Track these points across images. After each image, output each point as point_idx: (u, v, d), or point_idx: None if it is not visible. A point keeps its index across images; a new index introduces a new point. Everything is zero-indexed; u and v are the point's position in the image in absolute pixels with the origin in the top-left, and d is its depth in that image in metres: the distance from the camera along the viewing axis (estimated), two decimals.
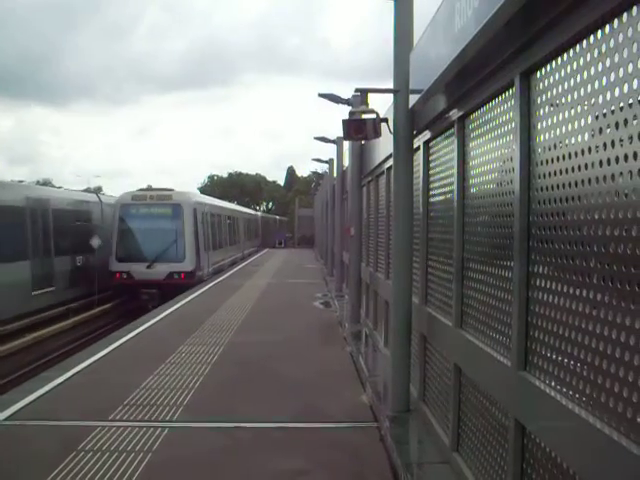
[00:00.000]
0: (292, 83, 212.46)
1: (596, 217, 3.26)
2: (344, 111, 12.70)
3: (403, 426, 7.42)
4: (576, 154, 3.53)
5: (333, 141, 22.54)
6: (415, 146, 7.88)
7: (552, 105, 3.94)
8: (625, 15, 2.98)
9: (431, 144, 7.66)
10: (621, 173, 3.01)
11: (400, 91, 7.57)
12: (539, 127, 4.14)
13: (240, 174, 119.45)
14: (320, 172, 51.78)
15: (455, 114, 6.21)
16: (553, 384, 3.79)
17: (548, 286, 3.92)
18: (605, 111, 3.19)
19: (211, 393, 9.32)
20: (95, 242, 25.31)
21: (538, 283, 4.08)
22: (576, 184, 3.52)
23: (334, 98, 14.65)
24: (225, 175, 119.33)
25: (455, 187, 6.18)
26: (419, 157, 7.99)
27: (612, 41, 3.12)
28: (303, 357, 11.97)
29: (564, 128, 3.72)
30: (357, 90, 8.25)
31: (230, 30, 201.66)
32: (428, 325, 7.43)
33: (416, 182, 7.95)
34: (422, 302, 7.78)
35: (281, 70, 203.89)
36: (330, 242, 28.84)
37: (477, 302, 5.54)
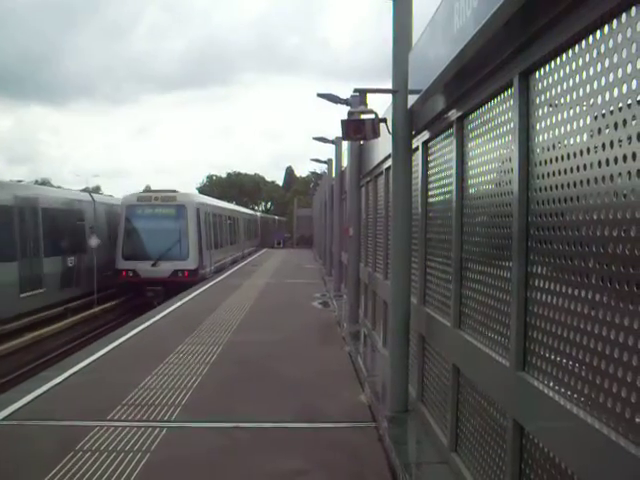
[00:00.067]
0: (291, 83, 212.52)
1: (595, 218, 3.26)
2: (343, 111, 12.70)
3: (401, 426, 7.42)
4: (575, 155, 3.53)
5: (332, 141, 22.54)
6: (414, 146, 7.88)
7: (551, 105, 3.94)
8: (624, 15, 2.98)
9: (430, 144, 7.66)
10: (620, 174, 3.01)
11: (399, 91, 7.57)
12: (538, 127, 4.14)
13: (239, 174, 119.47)
14: (319, 172, 51.92)
15: (454, 114, 6.21)
16: (551, 384, 3.79)
17: (547, 286, 3.92)
18: (604, 111, 3.19)
19: (210, 393, 9.32)
20: (93, 242, 25.31)
21: (537, 283, 4.08)
22: (575, 185, 3.52)
23: (333, 98, 14.65)
24: (224, 175, 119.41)
25: (454, 187, 6.18)
26: (418, 157, 7.99)
27: (611, 41, 3.12)
28: (302, 357, 11.97)
29: (563, 128, 3.72)
30: (356, 90, 8.25)
31: (229, 30, 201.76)
32: (427, 325, 7.43)
33: (415, 182, 7.96)
34: (421, 302, 7.78)
35: (280, 70, 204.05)
36: (329, 242, 28.87)
37: (476, 302, 5.54)
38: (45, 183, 63.12)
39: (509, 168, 4.60)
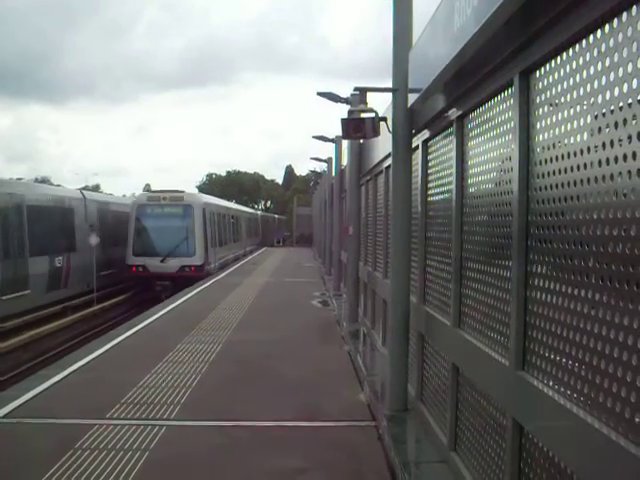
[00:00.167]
0: (291, 82, 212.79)
1: (595, 217, 3.26)
2: (343, 110, 12.72)
3: (401, 425, 7.42)
4: (575, 154, 3.53)
5: (332, 140, 22.55)
6: (414, 145, 7.87)
7: (551, 104, 3.94)
8: (625, 14, 2.98)
9: (430, 143, 7.65)
10: (620, 173, 3.01)
11: (399, 90, 7.56)
12: (538, 126, 4.13)
13: (238, 173, 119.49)
14: (319, 171, 51.73)
15: (454, 113, 6.20)
16: (551, 384, 3.78)
17: (546, 286, 3.92)
18: (604, 111, 3.19)
19: (209, 391, 9.32)
20: (93, 240, 25.30)
21: (536, 283, 4.08)
22: (575, 184, 3.52)
23: (333, 97, 14.68)
24: (223, 174, 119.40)
25: (454, 186, 6.18)
26: (418, 156, 7.98)
27: (612, 40, 3.12)
28: (301, 356, 11.97)
29: (563, 127, 3.72)
30: (356, 89, 8.26)
31: (229, 28, 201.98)
32: (426, 324, 7.43)
33: (415, 181, 7.95)
34: (420, 301, 7.77)
35: (280, 69, 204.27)
36: (328, 241, 28.87)
37: (475, 302, 5.53)
38: (44, 181, 63.13)
39: (509, 167, 4.60)
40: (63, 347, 19.07)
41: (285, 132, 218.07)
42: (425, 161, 7.78)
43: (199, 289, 23.69)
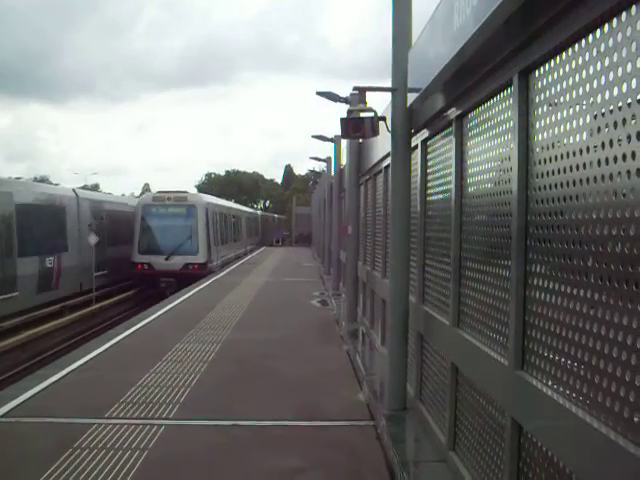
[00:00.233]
0: (290, 81, 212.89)
1: (594, 216, 3.26)
2: (342, 109, 12.70)
3: (400, 425, 7.42)
4: (574, 153, 3.52)
5: (331, 139, 22.55)
6: (413, 145, 7.87)
7: (550, 104, 3.93)
8: (624, 14, 2.98)
9: (429, 143, 7.65)
10: (619, 173, 3.01)
11: (398, 89, 7.56)
12: (537, 126, 4.13)
13: (238, 172, 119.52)
14: (318, 170, 51.77)
15: (453, 113, 6.20)
16: (550, 383, 3.79)
17: (546, 285, 3.92)
18: (603, 110, 3.19)
19: (208, 391, 9.32)
20: (92, 239, 25.26)
21: (535, 282, 4.08)
22: (574, 183, 3.52)
23: (332, 96, 14.68)
24: (223, 173, 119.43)
25: (453, 186, 6.18)
26: (417, 156, 7.98)
27: (611, 40, 3.12)
28: (300, 355, 11.97)
29: (562, 127, 3.72)
30: (355, 88, 8.25)
31: (229, 27, 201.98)
32: (425, 324, 7.43)
33: (414, 181, 7.95)
34: (419, 301, 7.77)
35: (280, 68, 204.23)
36: (327, 240, 28.87)
37: (474, 301, 5.54)
38: (44, 180, 63.02)
39: (508, 167, 4.60)
40: (61, 347, 19.05)
41: (284, 132, 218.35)
42: (424, 160, 7.78)
43: (198, 288, 23.69)
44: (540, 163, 4.05)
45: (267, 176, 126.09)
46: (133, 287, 30.75)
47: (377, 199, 12.98)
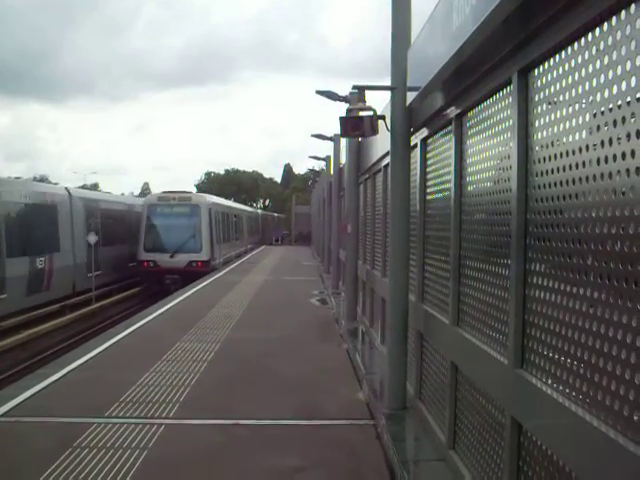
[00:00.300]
0: (290, 80, 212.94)
1: (593, 215, 3.26)
2: (342, 108, 12.68)
3: (400, 423, 7.42)
4: (573, 152, 3.52)
5: (330, 138, 22.53)
6: (412, 144, 7.87)
7: (550, 103, 3.93)
8: (623, 13, 2.98)
9: (428, 142, 7.65)
10: (618, 171, 3.01)
11: (397, 88, 7.56)
12: (536, 125, 4.13)
13: (237, 171, 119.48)
14: (317, 169, 51.74)
15: (452, 112, 6.20)
16: (550, 382, 3.79)
17: (545, 284, 3.92)
18: (602, 109, 3.19)
19: (208, 390, 9.32)
20: (92, 239, 25.24)
21: (535, 281, 4.08)
22: (573, 182, 3.52)
23: (331, 95, 14.66)
24: (222, 172, 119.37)
25: (452, 185, 6.18)
26: (416, 155, 7.98)
27: (610, 39, 3.12)
28: (300, 354, 11.97)
29: (561, 126, 3.72)
30: (354, 87, 8.22)
31: (228, 26, 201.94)
32: (425, 323, 7.43)
33: (413, 180, 7.96)
34: (419, 300, 7.77)
35: (279, 67, 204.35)
36: (327, 239, 28.87)
37: (474, 300, 5.54)
38: (43, 180, 62.88)
39: (508, 165, 4.60)
40: (61, 346, 19.04)
41: (284, 130, 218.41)
42: (424, 159, 7.78)
43: (198, 287, 23.69)
44: (539, 161, 4.05)
45: (266, 175, 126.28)
46: (129, 287, 30.71)
47: (376, 198, 12.98)
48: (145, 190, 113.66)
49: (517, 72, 4.32)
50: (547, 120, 3.95)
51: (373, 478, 6.41)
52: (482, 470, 5.19)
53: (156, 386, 9.41)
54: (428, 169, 7.64)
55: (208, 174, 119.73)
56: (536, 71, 4.14)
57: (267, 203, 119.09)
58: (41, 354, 17.91)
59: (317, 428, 7.82)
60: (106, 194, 43.77)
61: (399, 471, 6.11)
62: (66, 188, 27.70)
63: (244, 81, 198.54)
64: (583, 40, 3.43)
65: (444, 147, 6.82)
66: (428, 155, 7.67)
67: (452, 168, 6.19)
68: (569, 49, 3.62)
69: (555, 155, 3.79)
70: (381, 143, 10.24)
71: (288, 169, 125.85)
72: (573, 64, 3.56)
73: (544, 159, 3.97)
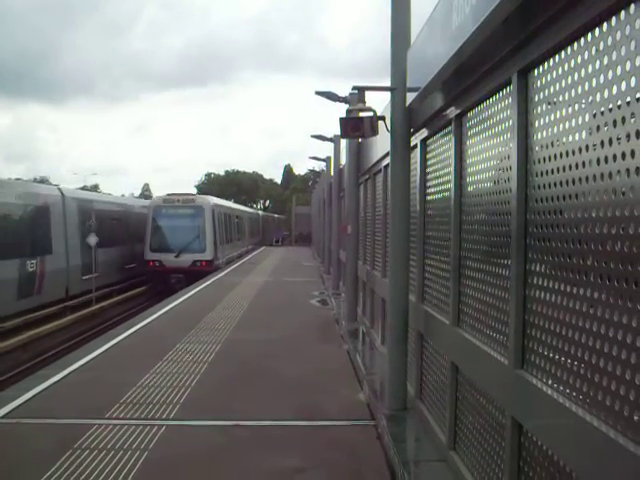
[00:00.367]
0: (290, 81, 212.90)
1: (593, 215, 3.26)
2: (342, 109, 12.68)
3: (400, 424, 7.42)
4: (573, 152, 3.52)
5: (330, 139, 22.54)
6: (412, 144, 7.87)
7: (549, 103, 3.94)
8: (623, 13, 2.98)
9: (428, 142, 7.65)
10: (618, 171, 3.01)
11: (397, 89, 7.56)
12: (536, 125, 4.13)
13: (237, 172, 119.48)
14: (317, 170, 51.78)
15: (452, 112, 6.20)
16: (550, 382, 3.79)
17: (545, 284, 3.92)
18: (602, 109, 3.19)
19: (208, 391, 9.31)
20: (92, 240, 25.21)
21: (535, 281, 4.08)
22: (573, 182, 3.52)
23: (331, 96, 14.67)
24: (222, 173, 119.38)
25: (452, 185, 6.18)
26: (416, 155, 7.98)
27: (610, 39, 3.12)
28: (300, 355, 11.97)
29: (561, 126, 3.72)
30: (354, 88, 8.22)
31: (228, 27, 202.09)
32: (425, 323, 7.43)
33: (413, 180, 7.96)
34: (419, 300, 7.77)
35: (279, 68, 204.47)
36: (327, 240, 28.88)
37: (474, 300, 5.54)
38: (43, 181, 62.83)
39: (507, 166, 4.60)
40: (62, 347, 19.03)
41: (284, 131, 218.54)
42: (424, 160, 7.78)
43: (199, 288, 23.69)
44: (539, 162, 4.05)
45: (266, 176, 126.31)
46: (127, 290, 30.34)
47: (376, 198, 12.98)
48: (145, 191, 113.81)
49: (517, 72, 4.32)
50: (547, 120, 3.95)
51: (374, 479, 6.41)
52: (483, 471, 5.18)
53: (157, 387, 9.41)
54: (428, 169, 7.64)
55: (208, 175, 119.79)
56: (536, 71, 4.14)
57: (267, 204, 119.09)
58: (42, 355, 17.89)
59: (318, 429, 7.81)
60: (102, 194, 43.20)
61: (400, 472, 6.11)
62: (59, 188, 27.04)
63: (244, 82, 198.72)
64: (583, 40, 3.43)
65: (444, 147, 6.82)
66: (428, 155, 7.67)
67: (452, 168, 6.19)
68: (569, 49, 3.62)
69: (555, 155, 3.79)
70: (381, 144, 10.24)
71: (288, 170, 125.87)
72: (573, 64, 3.56)
73: (544, 159, 3.97)
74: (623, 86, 2.98)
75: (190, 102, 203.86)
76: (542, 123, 4.04)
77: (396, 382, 7.78)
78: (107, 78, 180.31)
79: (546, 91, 3.97)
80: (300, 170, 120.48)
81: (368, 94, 8.02)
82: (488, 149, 5.23)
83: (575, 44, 3.53)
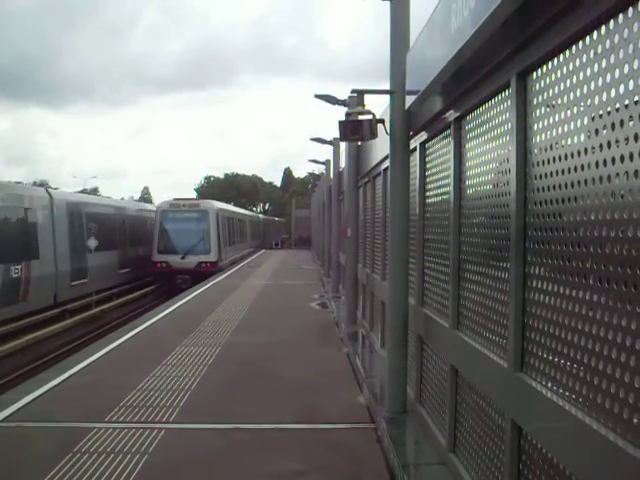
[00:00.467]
0: (289, 84, 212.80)
1: (592, 218, 3.26)
2: (341, 112, 12.69)
3: (400, 427, 7.41)
4: (572, 155, 3.53)
5: (330, 142, 22.55)
6: (411, 147, 7.87)
7: (548, 106, 3.94)
8: (621, 16, 2.99)
9: (427, 145, 7.66)
10: (617, 174, 3.01)
11: (396, 92, 7.57)
12: (535, 128, 4.14)
13: (237, 175, 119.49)
14: (317, 173, 51.93)
15: (451, 115, 6.21)
16: (549, 385, 3.79)
17: (544, 287, 3.92)
18: (601, 112, 3.19)
19: (208, 394, 9.31)
20: (92, 243, 25.18)
21: (534, 284, 4.08)
22: (572, 185, 3.52)
23: (330, 99, 14.66)
24: (222, 176, 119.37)
25: (452, 188, 6.18)
26: (415, 158, 7.99)
27: (608, 42, 3.12)
28: (300, 358, 11.96)
29: (561, 129, 3.72)
30: (353, 91, 8.24)
31: (228, 30, 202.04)
32: (425, 326, 7.42)
33: (412, 183, 7.96)
34: (419, 303, 7.77)
35: (278, 71, 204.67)
36: (327, 243, 28.87)
37: (473, 303, 5.54)
38: (43, 184, 62.75)
39: (507, 169, 4.60)
40: (62, 350, 18.99)
41: (283, 134, 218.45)
42: (423, 163, 7.78)
43: (198, 291, 23.69)
44: (539, 165, 4.06)
45: (266, 179, 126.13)
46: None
47: (376, 201, 12.98)
48: (145, 194, 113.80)
49: (516, 75, 4.33)
50: (546, 123, 3.96)
51: None
52: (482, 473, 5.18)
53: (157, 390, 9.40)
54: (427, 172, 7.65)
55: (208, 178, 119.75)
56: (535, 74, 4.15)
57: (267, 207, 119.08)
58: (42, 359, 17.85)
59: (317, 432, 7.81)
60: (94, 196, 41.64)
61: (399, 475, 6.11)
62: (46, 189, 26.05)
63: (243, 85, 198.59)
64: (581, 43, 3.44)
65: (443, 150, 6.82)
66: (427, 158, 7.67)
67: (451, 171, 6.20)
68: (567, 52, 3.62)
69: (554, 158, 3.79)
70: (380, 147, 10.25)
71: (288, 173, 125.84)
72: (572, 67, 3.57)
73: (543, 162, 3.98)
74: (622, 89, 2.98)
75: (190, 105, 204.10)
76: (541, 126, 4.04)
77: (396, 385, 7.77)
78: (107, 81, 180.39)
79: (545, 94, 3.98)
80: (300, 173, 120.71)
81: (367, 97, 8.04)
82: (487, 152, 5.24)
83: (574, 47, 3.54)
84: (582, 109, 3.46)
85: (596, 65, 3.26)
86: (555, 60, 3.81)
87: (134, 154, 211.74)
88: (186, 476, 6.45)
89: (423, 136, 7.68)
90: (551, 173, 3.83)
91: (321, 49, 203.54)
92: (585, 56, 3.40)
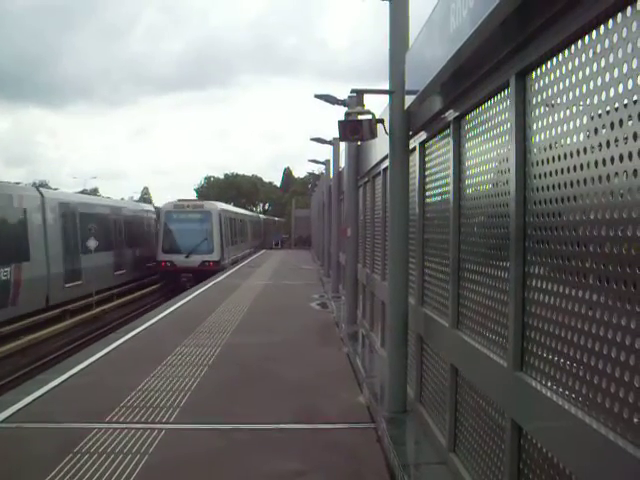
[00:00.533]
0: (289, 84, 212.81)
1: (592, 217, 3.26)
2: (341, 112, 12.69)
3: (400, 427, 7.41)
4: (572, 154, 3.53)
5: (329, 142, 22.56)
6: (411, 147, 7.88)
7: (548, 105, 3.94)
8: (620, 15, 2.99)
9: (427, 145, 7.66)
10: (616, 173, 3.01)
11: (396, 92, 7.57)
12: (535, 127, 4.14)
13: (236, 175, 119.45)
14: (317, 173, 51.92)
15: (451, 115, 6.21)
16: (549, 384, 3.79)
17: (544, 287, 3.92)
18: (600, 111, 3.19)
19: (208, 394, 9.31)
20: (92, 244, 25.16)
21: (534, 284, 4.08)
22: (572, 184, 3.52)
23: (330, 99, 14.66)
24: (221, 176, 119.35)
25: (451, 188, 6.18)
26: (415, 158, 7.99)
27: (607, 41, 3.12)
28: (300, 358, 11.96)
29: (560, 128, 3.72)
30: (353, 91, 8.23)
31: (227, 30, 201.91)
32: (425, 326, 7.43)
33: (412, 183, 7.96)
34: (419, 303, 7.77)
35: (278, 71, 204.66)
36: (327, 243, 28.87)
37: (473, 303, 5.54)
38: (43, 185, 62.72)
39: (506, 168, 4.60)
40: (62, 351, 18.97)
41: (283, 134, 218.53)
42: (422, 163, 7.78)
43: (198, 292, 23.69)
44: (538, 164, 4.06)
45: (266, 179, 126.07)
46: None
47: (376, 201, 12.98)
48: (145, 194, 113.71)
49: (515, 75, 4.33)
50: (545, 123, 3.96)
51: None
52: (482, 473, 5.18)
53: (157, 391, 9.40)
54: (427, 172, 7.65)
55: (208, 178, 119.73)
56: (534, 74, 4.15)
57: (267, 207, 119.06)
58: (42, 359, 17.85)
59: (317, 432, 7.81)
60: (88, 196, 40.68)
61: (400, 474, 6.11)
62: (37, 189, 25.28)
63: (243, 85, 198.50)
64: (580, 43, 3.44)
65: (443, 150, 6.82)
66: (427, 158, 7.68)
67: (451, 171, 6.20)
68: (566, 52, 3.62)
69: (553, 158, 3.79)
70: (380, 146, 10.25)
71: (287, 173, 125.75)
72: (571, 67, 3.57)
73: (542, 162, 3.98)
74: (621, 88, 2.98)
75: (189, 105, 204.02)
76: (540, 125, 4.04)
77: (396, 385, 7.77)
78: (106, 82, 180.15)
79: (544, 93, 3.98)
80: (300, 173, 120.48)
81: (367, 97, 8.03)
82: (486, 152, 5.24)
83: (573, 46, 3.54)
84: (581, 108, 3.46)
85: (595, 64, 3.26)
86: (554, 59, 3.81)
87: (134, 154, 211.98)
88: (186, 476, 6.45)
89: (422, 136, 7.68)
90: (550, 172, 3.83)
91: (321, 49, 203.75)
92: (584, 55, 3.40)
